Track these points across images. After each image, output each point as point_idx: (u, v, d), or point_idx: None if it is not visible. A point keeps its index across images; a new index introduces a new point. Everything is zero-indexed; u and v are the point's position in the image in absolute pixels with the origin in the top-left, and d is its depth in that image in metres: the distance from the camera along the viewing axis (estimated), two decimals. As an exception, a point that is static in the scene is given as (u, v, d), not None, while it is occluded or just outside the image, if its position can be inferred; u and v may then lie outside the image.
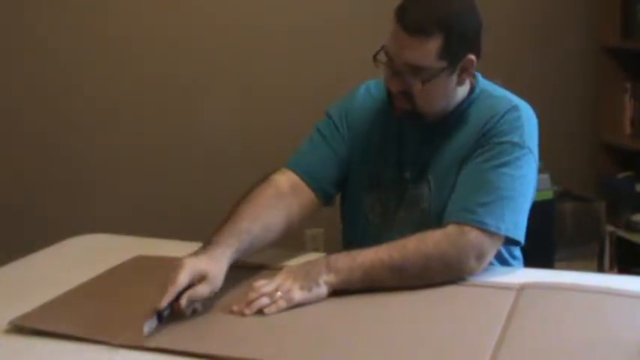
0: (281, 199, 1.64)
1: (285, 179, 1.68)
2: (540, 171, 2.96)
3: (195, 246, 1.80)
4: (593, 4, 3.42)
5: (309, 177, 1.70)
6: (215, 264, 1.41)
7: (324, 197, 1.72)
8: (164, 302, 1.32)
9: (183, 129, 3.23)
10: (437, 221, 1.59)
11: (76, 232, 1.96)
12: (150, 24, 3.16)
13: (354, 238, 1.77)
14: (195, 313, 1.38)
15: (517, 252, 1.73)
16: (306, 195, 1.69)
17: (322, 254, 1.59)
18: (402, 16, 1.54)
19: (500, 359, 1.19)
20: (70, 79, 3.15)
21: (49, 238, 1.91)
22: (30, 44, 3.12)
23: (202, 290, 1.36)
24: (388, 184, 1.70)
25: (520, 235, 1.57)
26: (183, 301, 1.34)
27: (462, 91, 1.66)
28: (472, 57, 1.59)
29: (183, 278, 1.34)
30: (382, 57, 1.60)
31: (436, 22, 1.52)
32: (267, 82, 3.24)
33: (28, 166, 3.17)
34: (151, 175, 3.21)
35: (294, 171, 1.70)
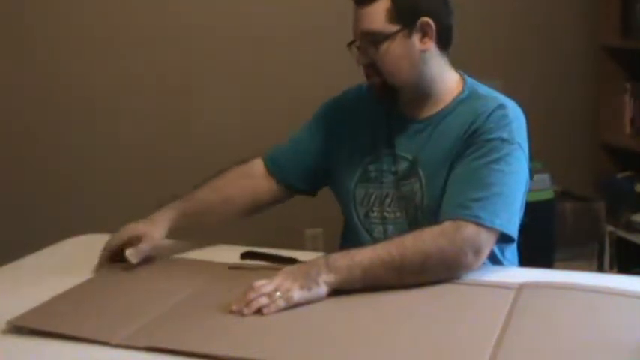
0: (250, 179, 1.82)
1: (261, 165, 1.84)
2: (540, 171, 2.97)
3: (193, 245, 1.80)
4: (593, 4, 3.42)
5: (275, 169, 1.82)
6: (152, 225, 1.69)
7: (291, 189, 1.84)
8: (99, 266, 1.65)
9: (183, 129, 3.23)
10: (430, 217, 1.61)
11: (76, 232, 1.96)
12: (149, 24, 3.16)
13: (349, 233, 1.79)
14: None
15: (508, 253, 1.73)
16: (273, 184, 1.83)
17: (322, 254, 1.59)
18: None
19: (499, 358, 1.19)
20: (70, 79, 3.15)
21: (49, 238, 1.91)
22: (30, 44, 3.12)
23: (142, 247, 1.64)
24: (378, 179, 1.72)
25: (514, 231, 1.58)
26: (131, 258, 1.62)
27: (438, 72, 1.68)
28: (427, 19, 1.62)
29: (113, 242, 1.66)
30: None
31: None
32: (266, 82, 3.24)
33: (28, 166, 3.17)
34: (151, 175, 3.21)
35: (264, 160, 1.83)
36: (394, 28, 1.61)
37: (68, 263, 1.76)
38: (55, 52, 3.14)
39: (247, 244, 1.76)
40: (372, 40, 1.63)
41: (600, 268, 3.17)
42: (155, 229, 1.69)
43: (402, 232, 1.65)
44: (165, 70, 3.18)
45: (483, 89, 1.72)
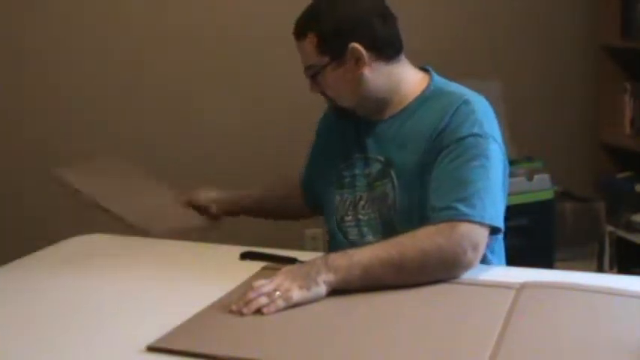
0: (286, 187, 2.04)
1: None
2: (540, 171, 2.96)
3: (193, 245, 1.81)
4: (593, 4, 3.42)
5: (301, 184, 1.98)
6: (223, 193, 2.10)
7: (310, 205, 1.98)
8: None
9: (184, 130, 3.23)
10: (403, 217, 1.64)
11: (75, 232, 1.96)
12: (150, 24, 3.16)
13: (329, 238, 1.82)
14: None
15: (495, 245, 1.74)
16: (301, 196, 2.00)
17: (322, 254, 1.59)
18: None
19: (499, 358, 1.19)
20: (71, 80, 3.15)
21: (49, 238, 1.91)
22: (30, 45, 3.12)
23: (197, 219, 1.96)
24: (352, 183, 1.75)
25: (501, 223, 1.59)
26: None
27: (390, 82, 1.70)
28: (356, 45, 1.64)
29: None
30: None
31: (307, 24, 1.67)
32: (267, 84, 3.24)
33: (28, 166, 3.17)
34: (151, 176, 3.21)
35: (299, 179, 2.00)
36: (324, 59, 1.66)
37: (68, 263, 1.76)
38: (55, 52, 3.14)
39: (247, 244, 1.76)
40: (310, 72, 1.70)
41: (600, 268, 3.17)
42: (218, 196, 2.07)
43: (376, 232, 1.69)
44: (166, 71, 3.18)
45: (450, 86, 1.72)
